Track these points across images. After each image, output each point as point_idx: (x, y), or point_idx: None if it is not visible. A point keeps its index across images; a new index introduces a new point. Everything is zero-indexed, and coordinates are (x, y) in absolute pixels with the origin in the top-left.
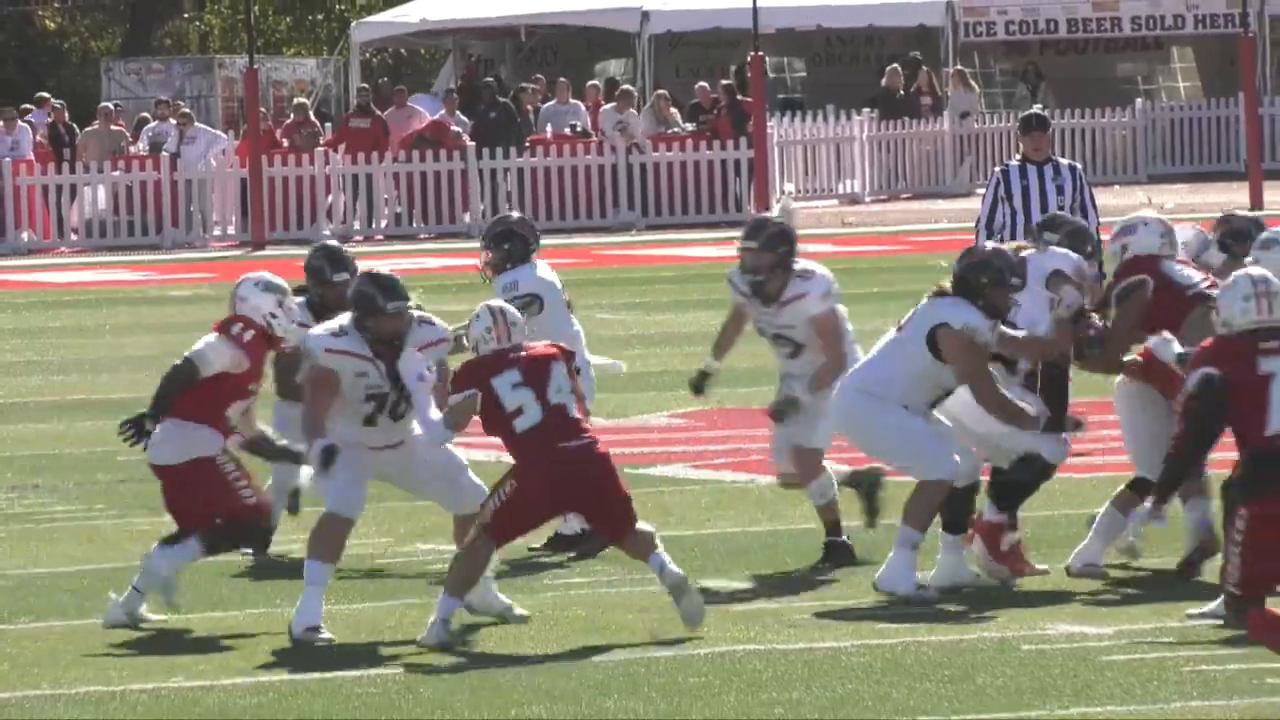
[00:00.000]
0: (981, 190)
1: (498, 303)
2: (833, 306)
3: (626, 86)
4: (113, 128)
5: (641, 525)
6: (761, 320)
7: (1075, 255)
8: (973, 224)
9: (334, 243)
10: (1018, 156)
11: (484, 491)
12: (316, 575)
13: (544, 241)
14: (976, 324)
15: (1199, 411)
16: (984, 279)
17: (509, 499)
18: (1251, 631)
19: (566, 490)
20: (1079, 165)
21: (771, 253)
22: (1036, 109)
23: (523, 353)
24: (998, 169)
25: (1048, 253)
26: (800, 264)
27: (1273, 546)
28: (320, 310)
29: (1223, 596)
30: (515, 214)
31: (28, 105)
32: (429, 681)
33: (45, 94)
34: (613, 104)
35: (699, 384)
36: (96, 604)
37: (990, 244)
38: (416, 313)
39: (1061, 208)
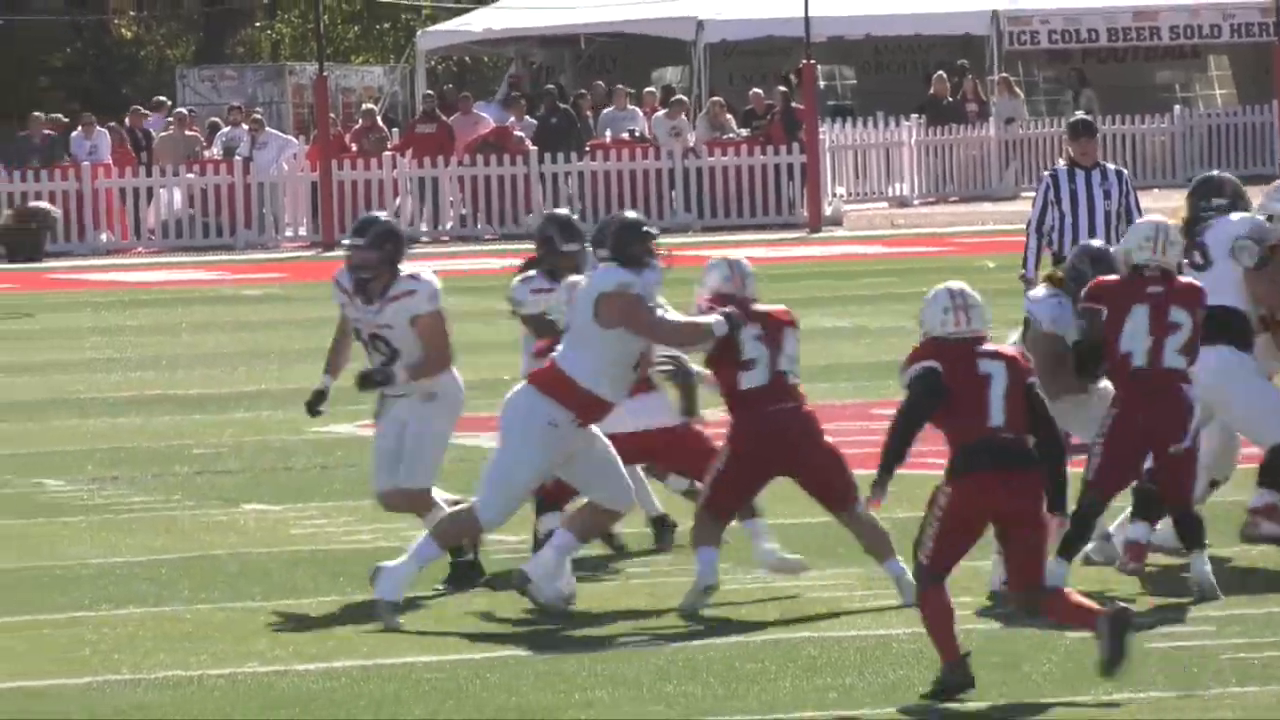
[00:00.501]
0: (1025, 193)
1: (735, 256)
2: (439, 309)
3: (680, 96)
4: (187, 133)
5: (875, 518)
6: (361, 321)
7: (1250, 217)
8: (1017, 226)
9: (564, 212)
10: (1062, 161)
11: (630, 491)
12: (426, 553)
13: None
14: (1032, 310)
15: (919, 397)
16: (1071, 283)
17: (723, 469)
18: (924, 608)
19: (778, 451)
20: (1125, 170)
21: (378, 250)
22: (1079, 115)
23: (764, 309)
24: (1047, 173)
25: (1223, 221)
26: (407, 268)
27: (964, 525)
28: (555, 278)
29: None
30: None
31: (160, 100)
32: (497, 668)
33: (162, 98)
34: (665, 111)
35: (314, 405)
36: (174, 592)
37: (1095, 243)
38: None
39: (1109, 212)
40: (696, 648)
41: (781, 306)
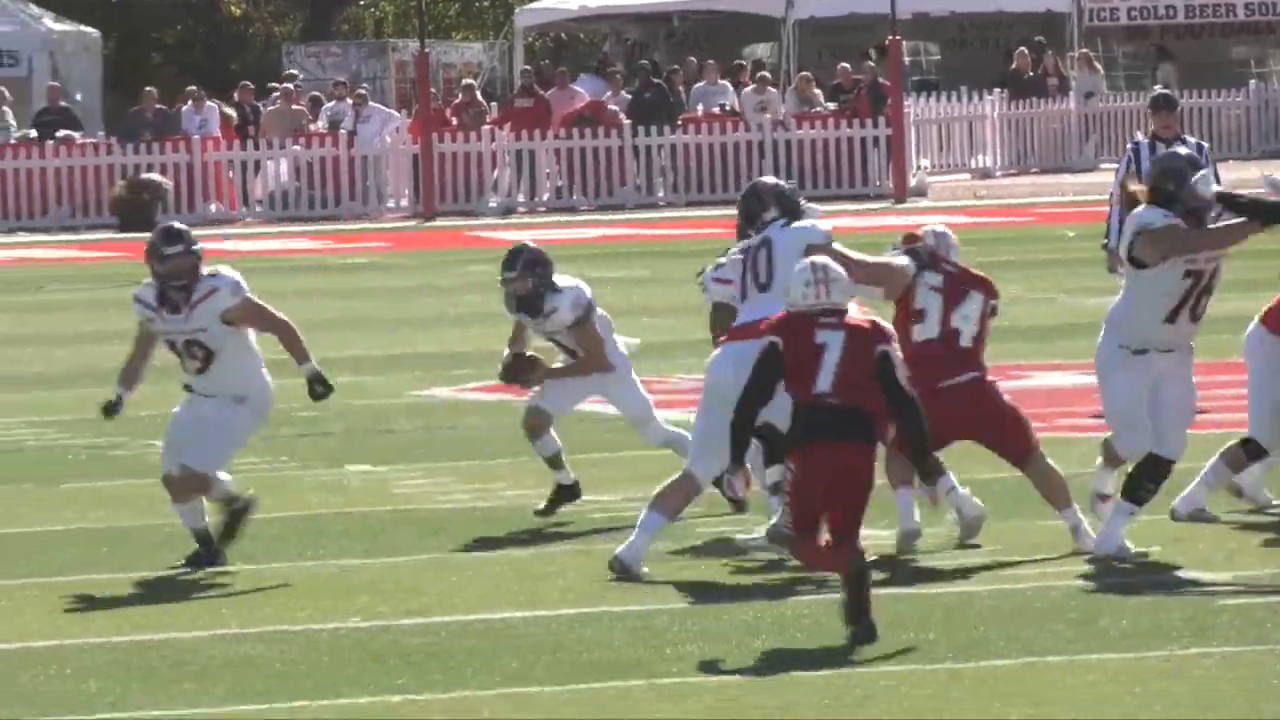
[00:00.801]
0: (1105, 165)
1: (940, 227)
2: (246, 297)
3: (764, 73)
4: (294, 107)
5: (1053, 467)
6: (173, 332)
7: None
8: (1096, 197)
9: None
10: (1140, 134)
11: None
12: (651, 525)
13: (694, 213)
14: (1149, 218)
15: (759, 372)
16: (1170, 185)
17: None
18: (804, 560)
19: (955, 424)
20: (1206, 144)
21: (196, 256)
22: (1159, 89)
23: (958, 270)
24: (1129, 145)
25: None
26: (210, 268)
27: (812, 489)
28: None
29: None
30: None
31: (274, 85)
32: (590, 623)
33: (295, 71)
34: (752, 86)
35: (109, 413)
36: (280, 550)
37: (1173, 150)
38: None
39: None
40: (785, 605)
41: (982, 274)
